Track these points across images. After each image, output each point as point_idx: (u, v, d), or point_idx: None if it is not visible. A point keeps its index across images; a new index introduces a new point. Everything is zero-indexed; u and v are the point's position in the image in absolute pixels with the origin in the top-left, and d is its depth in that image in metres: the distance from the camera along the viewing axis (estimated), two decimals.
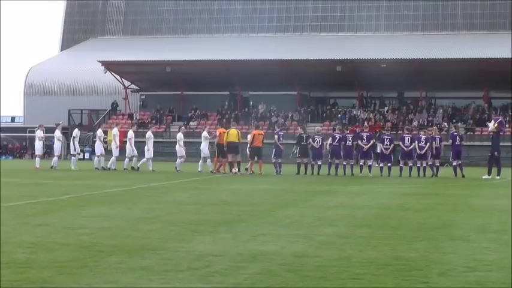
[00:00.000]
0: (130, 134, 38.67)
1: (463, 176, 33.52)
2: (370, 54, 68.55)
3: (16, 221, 13.36)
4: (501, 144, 35.81)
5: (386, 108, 67.94)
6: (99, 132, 40.27)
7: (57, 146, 40.36)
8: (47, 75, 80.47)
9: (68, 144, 70.19)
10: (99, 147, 39.40)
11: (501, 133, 34.64)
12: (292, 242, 11.05)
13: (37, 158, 39.98)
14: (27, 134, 74.73)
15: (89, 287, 7.61)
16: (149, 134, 38.84)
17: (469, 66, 62.96)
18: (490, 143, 34.77)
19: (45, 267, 8.65)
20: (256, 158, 35.78)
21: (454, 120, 61.04)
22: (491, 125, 33.87)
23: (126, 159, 38.07)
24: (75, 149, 39.81)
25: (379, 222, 13.99)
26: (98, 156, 39.07)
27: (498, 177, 32.65)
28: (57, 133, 40.59)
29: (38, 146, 40.73)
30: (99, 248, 10.15)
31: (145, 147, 38.09)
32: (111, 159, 38.22)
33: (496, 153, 33.37)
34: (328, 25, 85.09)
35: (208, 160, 37.11)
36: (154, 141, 39.50)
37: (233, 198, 20.29)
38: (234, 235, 11.73)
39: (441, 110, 66.00)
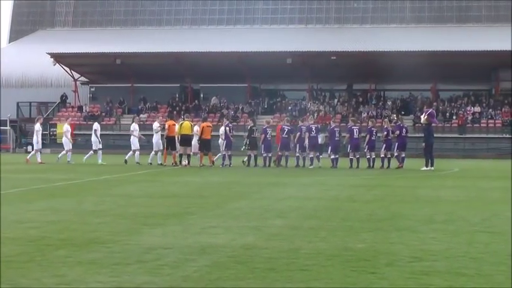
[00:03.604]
0: (96, 125, 38.60)
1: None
2: (320, 46, 68.81)
3: None
4: (437, 136, 36.46)
5: (336, 101, 68.32)
6: (133, 126, 39.24)
7: (66, 140, 39.30)
8: None
9: (16, 137, 69.74)
10: (135, 141, 38.30)
11: (433, 124, 35.31)
12: (242, 234, 11.09)
13: (38, 153, 38.95)
14: None
15: (37, 282, 7.56)
16: (134, 126, 38.62)
17: (417, 58, 63.48)
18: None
19: None
20: (205, 151, 35.81)
21: (403, 112, 61.59)
22: (422, 118, 34.65)
23: (137, 153, 37.56)
24: (100, 142, 38.58)
25: (328, 213, 14.10)
26: (135, 150, 38.04)
27: (432, 168, 33.14)
28: (67, 127, 39.72)
29: (39, 140, 39.50)
30: (47, 242, 10.09)
31: (132, 139, 37.82)
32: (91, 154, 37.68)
33: (423, 144, 34.09)
34: (278, 18, 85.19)
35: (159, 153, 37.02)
36: (103, 134, 39.13)
37: (183, 190, 20.28)
38: (183, 228, 11.74)
39: (390, 102, 66.61)
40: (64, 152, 38.84)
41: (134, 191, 20.01)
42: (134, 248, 9.64)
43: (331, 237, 10.77)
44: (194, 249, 9.57)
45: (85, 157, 37.86)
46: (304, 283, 7.58)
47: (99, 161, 37.04)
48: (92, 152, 38.29)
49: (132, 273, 7.99)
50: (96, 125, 39.37)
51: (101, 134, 38.90)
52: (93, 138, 38.58)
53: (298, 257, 9.01)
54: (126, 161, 36.91)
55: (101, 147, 38.42)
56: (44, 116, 68.44)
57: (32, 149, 41.41)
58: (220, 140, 36.88)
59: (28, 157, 38.81)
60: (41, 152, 39.16)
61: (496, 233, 11.37)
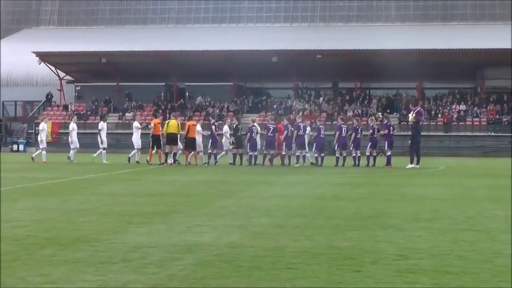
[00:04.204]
0: (101, 125, 38.51)
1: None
2: (306, 45, 68.88)
3: None
4: (423, 134, 36.72)
5: (321, 99, 68.43)
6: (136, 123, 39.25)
7: (74, 138, 38.93)
8: None
9: (1, 137, 69.56)
10: (136, 140, 38.03)
11: (420, 122, 35.54)
12: (227, 232, 11.08)
13: (43, 152, 38.32)
14: None
15: (22, 281, 7.53)
16: (136, 124, 38.54)
17: (403, 57, 63.65)
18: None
19: None
20: (191, 149, 35.75)
21: (388, 111, 61.74)
22: (411, 116, 34.85)
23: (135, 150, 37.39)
24: (102, 142, 38.21)
25: (313, 212, 14.09)
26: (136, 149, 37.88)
27: (417, 165, 33.30)
28: (74, 126, 39.37)
29: (43, 139, 39.09)
30: (32, 241, 10.05)
31: (134, 138, 37.70)
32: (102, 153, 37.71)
33: (409, 142, 34.37)
34: (263, 16, 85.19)
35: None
36: (89, 133, 38.91)
37: (169, 189, 20.24)
38: (169, 226, 11.71)
39: (375, 100, 66.75)
40: (72, 151, 38.54)
41: (119, 189, 19.96)
42: (119, 246, 9.62)
43: (317, 236, 10.76)
44: (179, 247, 9.55)
45: (103, 159, 37.36)
46: (289, 282, 7.57)
47: (93, 155, 37.19)
48: (103, 151, 38.03)
49: (118, 272, 7.97)
50: (101, 124, 38.80)
51: (88, 133, 38.68)
52: (99, 136, 38.21)
53: (283, 256, 9.00)
54: (138, 162, 36.20)
55: (104, 147, 38.08)
56: (30, 115, 68.36)
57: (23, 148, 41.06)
58: (224, 139, 36.72)
59: (44, 159, 38.01)
60: (45, 151, 38.75)
61: (482, 231, 11.40)
